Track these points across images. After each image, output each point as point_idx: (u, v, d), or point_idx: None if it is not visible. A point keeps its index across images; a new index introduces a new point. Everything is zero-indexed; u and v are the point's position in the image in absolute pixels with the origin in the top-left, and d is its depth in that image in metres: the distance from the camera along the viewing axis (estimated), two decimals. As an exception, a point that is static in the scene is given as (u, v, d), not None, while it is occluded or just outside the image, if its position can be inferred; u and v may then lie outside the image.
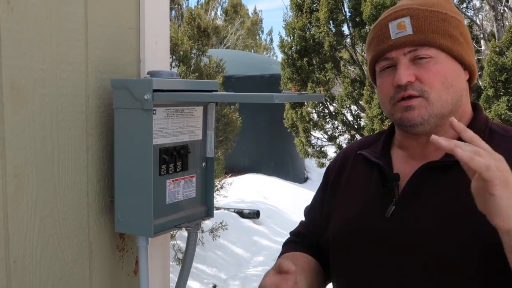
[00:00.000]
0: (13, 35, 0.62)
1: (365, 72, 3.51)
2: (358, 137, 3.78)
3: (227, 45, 9.14)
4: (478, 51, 3.58)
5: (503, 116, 2.75)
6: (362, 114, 3.79)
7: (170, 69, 0.83)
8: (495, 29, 3.49)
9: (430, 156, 0.62)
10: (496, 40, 3.12)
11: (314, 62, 3.81)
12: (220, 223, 3.01)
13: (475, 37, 3.66)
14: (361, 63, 3.68)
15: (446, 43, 0.60)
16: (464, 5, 3.61)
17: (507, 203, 0.45)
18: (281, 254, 0.74)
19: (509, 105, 2.79)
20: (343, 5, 3.59)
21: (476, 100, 2.96)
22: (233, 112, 3.17)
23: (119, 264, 0.79)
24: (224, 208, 3.84)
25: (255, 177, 5.11)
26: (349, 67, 3.88)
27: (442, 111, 0.60)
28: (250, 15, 12.41)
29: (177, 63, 2.75)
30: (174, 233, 2.60)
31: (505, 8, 3.51)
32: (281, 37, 3.90)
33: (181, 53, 2.74)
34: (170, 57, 0.98)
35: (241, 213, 3.86)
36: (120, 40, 0.77)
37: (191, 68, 2.81)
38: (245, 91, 0.71)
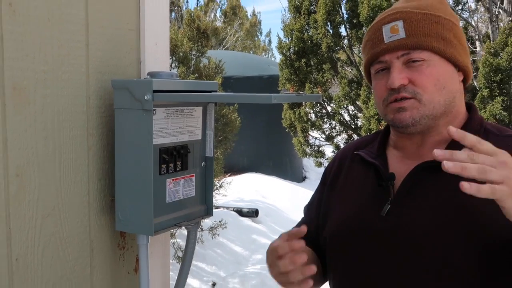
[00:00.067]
0: (15, 37, 0.63)
1: (362, 73, 3.52)
2: (355, 136, 3.80)
3: (226, 47, 9.15)
4: (473, 52, 3.61)
5: (498, 116, 2.78)
6: (359, 114, 3.81)
7: (170, 70, 0.84)
8: (490, 31, 3.52)
9: (424, 156, 0.63)
10: (491, 42, 3.15)
11: (312, 63, 3.83)
12: (220, 221, 3.02)
13: (471, 38, 3.69)
14: (358, 64, 3.70)
15: (439, 45, 0.61)
16: (460, 7, 3.64)
17: None
18: None
19: (504, 105, 2.82)
20: (340, 7, 3.61)
21: (471, 100, 2.98)
22: (232, 112, 3.18)
23: (120, 262, 0.80)
24: (223, 207, 3.85)
25: (254, 177, 5.12)
26: (346, 68, 3.90)
27: (434, 112, 0.61)
28: (249, 16, 12.42)
29: (177, 64, 2.76)
30: (174, 231, 2.60)
31: (500, 10, 3.54)
32: (279, 38, 3.92)
33: (181, 54, 2.75)
34: (170, 58, 0.99)
35: (240, 212, 3.87)
36: (121, 42, 0.77)
37: (191, 69, 2.82)
38: (244, 92, 0.72)
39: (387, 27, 0.62)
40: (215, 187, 3.15)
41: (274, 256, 0.60)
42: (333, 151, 3.91)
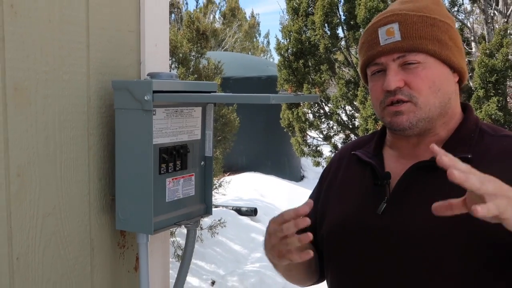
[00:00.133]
0: (17, 38, 0.63)
1: (359, 74, 3.54)
2: (352, 136, 3.82)
3: (225, 48, 9.17)
4: (469, 53, 3.63)
5: (493, 116, 2.80)
6: (356, 114, 3.83)
7: (170, 71, 0.85)
8: (485, 32, 3.54)
9: (420, 155, 0.63)
10: (487, 43, 3.17)
11: (310, 64, 3.85)
12: (219, 220, 3.02)
13: (466, 39, 3.71)
14: (355, 65, 3.71)
15: (434, 48, 0.61)
16: (455, 9, 3.67)
17: None
18: None
19: (499, 105, 2.84)
20: (338, 8, 3.63)
21: (467, 100, 3.00)
22: (231, 113, 3.20)
23: (120, 261, 0.81)
24: (223, 206, 3.85)
25: (253, 176, 5.13)
26: (343, 69, 3.92)
27: (430, 114, 0.61)
28: (248, 18, 12.44)
29: (176, 65, 2.77)
30: (174, 230, 2.61)
31: (495, 12, 3.57)
32: (277, 39, 3.93)
33: (181, 55, 2.76)
34: (169, 59, 1.00)
35: (239, 211, 3.88)
36: (121, 43, 0.78)
37: (190, 70, 2.83)
38: (243, 92, 0.73)
39: (382, 29, 0.62)
40: (214, 186, 3.15)
41: (277, 223, 0.59)
42: (330, 151, 3.93)
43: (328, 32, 3.66)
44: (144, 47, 0.81)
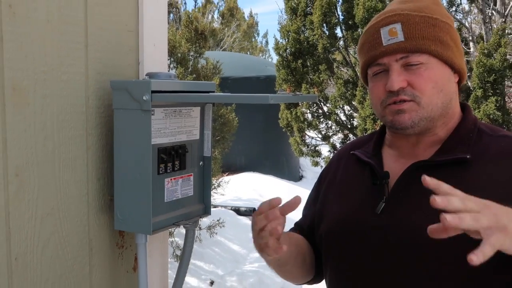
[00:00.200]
0: (15, 38, 0.63)
1: (358, 74, 3.56)
2: (351, 136, 3.83)
3: (223, 48, 9.16)
4: (467, 53, 3.65)
5: (491, 116, 2.82)
6: (355, 114, 3.84)
7: (168, 71, 0.85)
8: (483, 32, 3.56)
9: (419, 155, 0.64)
10: (485, 42, 3.18)
11: (308, 64, 3.85)
12: (217, 220, 3.03)
13: (464, 39, 3.73)
14: (353, 65, 3.73)
15: (437, 49, 0.61)
16: (454, 8, 3.68)
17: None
18: None
19: (497, 105, 2.85)
20: (336, 8, 3.64)
21: (465, 100, 3.02)
22: (229, 113, 3.20)
23: (119, 261, 0.81)
24: (221, 206, 3.86)
25: (251, 176, 5.14)
26: (342, 69, 3.93)
27: (432, 114, 0.62)
28: (246, 18, 12.45)
29: (175, 65, 2.77)
30: (173, 230, 2.61)
31: (493, 11, 3.59)
32: (276, 39, 3.94)
33: (179, 55, 2.76)
34: (168, 59, 1.00)
35: (237, 211, 3.89)
36: (120, 43, 0.78)
37: (189, 70, 2.83)
38: (241, 92, 0.73)
39: (385, 29, 0.62)
40: (213, 186, 3.16)
41: (255, 216, 0.60)
42: (329, 151, 3.94)
43: (327, 32, 3.68)
44: (143, 47, 0.81)
